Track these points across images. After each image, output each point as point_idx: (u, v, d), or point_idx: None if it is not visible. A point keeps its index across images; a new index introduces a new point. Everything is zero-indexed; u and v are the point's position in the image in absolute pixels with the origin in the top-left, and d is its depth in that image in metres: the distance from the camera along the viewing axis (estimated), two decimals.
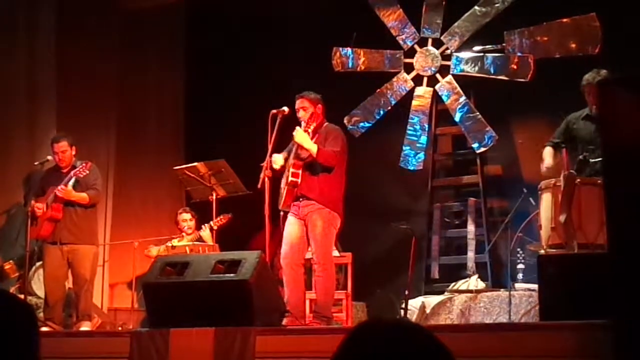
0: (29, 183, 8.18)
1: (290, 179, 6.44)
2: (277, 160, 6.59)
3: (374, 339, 1.69)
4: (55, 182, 7.59)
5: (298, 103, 6.61)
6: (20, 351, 1.91)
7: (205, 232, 8.61)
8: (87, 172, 7.54)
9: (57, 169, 7.77)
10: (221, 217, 8.48)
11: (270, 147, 6.54)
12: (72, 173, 7.53)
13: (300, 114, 6.58)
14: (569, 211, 6.07)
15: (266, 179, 6.52)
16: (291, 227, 6.47)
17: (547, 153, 6.75)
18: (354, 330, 1.74)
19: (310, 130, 6.48)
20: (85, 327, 7.52)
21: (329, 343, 4.53)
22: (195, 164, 8.42)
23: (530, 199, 7.14)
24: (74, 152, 7.76)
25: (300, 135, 6.41)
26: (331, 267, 6.57)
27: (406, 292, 7.59)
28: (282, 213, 6.58)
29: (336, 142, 6.54)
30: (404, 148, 8.89)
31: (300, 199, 6.48)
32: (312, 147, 6.39)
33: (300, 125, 6.52)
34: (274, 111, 6.59)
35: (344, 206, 6.58)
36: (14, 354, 1.90)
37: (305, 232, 6.46)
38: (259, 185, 6.61)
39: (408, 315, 7.47)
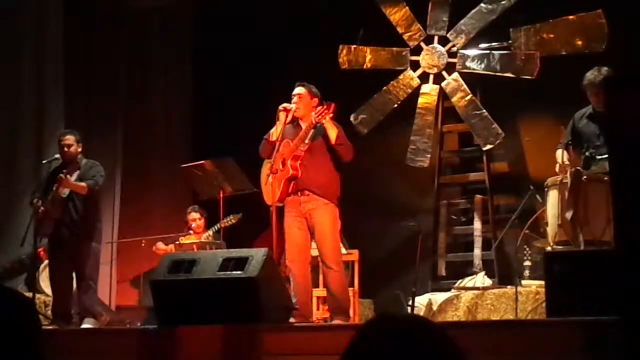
0: (38, 180, 8.19)
1: (290, 172, 6.43)
2: None
3: (386, 334, 1.69)
4: (56, 181, 7.61)
5: (297, 90, 6.64)
6: (20, 347, 1.91)
7: (214, 234, 8.61)
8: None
9: (61, 167, 7.77)
10: (231, 217, 8.44)
11: (278, 144, 6.55)
12: (62, 174, 7.56)
13: (295, 100, 6.61)
14: (576, 208, 6.07)
15: (272, 175, 6.52)
16: (294, 230, 6.43)
17: (559, 155, 6.72)
18: (365, 326, 1.73)
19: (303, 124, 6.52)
20: (87, 324, 7.49)
21: (337, 340, 4.55)
22: (202, 162, 8.42)
23: (537, 196, 7.13)
24: (79, 150, 7.80)
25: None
26: (342, 261, 6.59)
27: (413, 289, 7.60)
28: (272, 207, 6.51)
29: (345, 137, 6.56)
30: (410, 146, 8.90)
31: (299, 193, 6.47)
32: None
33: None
34: (281, 108, 6.60)
35: (350, 203, 6.58)
36: (14, 349, 1.89)
37: (306, 229, 6.44)
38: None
39: (415, 312, 7.48)
